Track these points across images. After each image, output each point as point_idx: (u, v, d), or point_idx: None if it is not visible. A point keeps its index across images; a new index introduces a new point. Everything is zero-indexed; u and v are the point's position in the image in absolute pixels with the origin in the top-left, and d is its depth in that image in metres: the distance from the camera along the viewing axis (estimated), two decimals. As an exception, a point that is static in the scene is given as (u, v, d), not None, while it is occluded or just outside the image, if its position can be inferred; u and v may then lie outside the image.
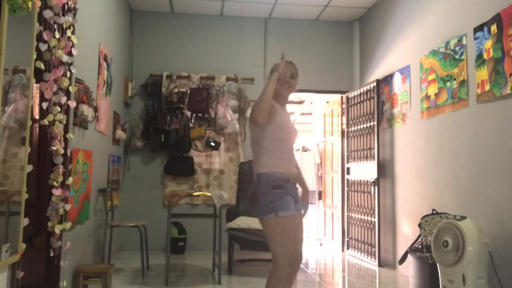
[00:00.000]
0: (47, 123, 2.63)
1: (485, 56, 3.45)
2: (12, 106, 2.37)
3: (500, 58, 3.27)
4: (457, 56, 3.85)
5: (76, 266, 3.59)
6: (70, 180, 3.03)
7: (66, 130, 2.94)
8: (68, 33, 2.81)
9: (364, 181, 5.50)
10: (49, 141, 2.67)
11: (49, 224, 2.71)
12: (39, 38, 2.52)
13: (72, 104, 3.02)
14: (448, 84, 3.97)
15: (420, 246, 3.75)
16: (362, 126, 5.66)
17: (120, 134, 5.24)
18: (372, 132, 5.37)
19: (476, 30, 3.59)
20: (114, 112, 5.09)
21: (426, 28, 4.44)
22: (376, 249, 5.08)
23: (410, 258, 3.81)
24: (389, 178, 5.09)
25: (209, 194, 4.34)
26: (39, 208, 2.77)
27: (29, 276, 2.47)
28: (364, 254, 5.43)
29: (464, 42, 3.76)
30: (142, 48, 6.04)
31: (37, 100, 2.77)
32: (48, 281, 2.95)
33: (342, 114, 6.23)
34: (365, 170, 5.50)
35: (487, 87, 3.42)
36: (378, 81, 5.36)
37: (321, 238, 6.85)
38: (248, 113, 2.70)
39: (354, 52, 6.32)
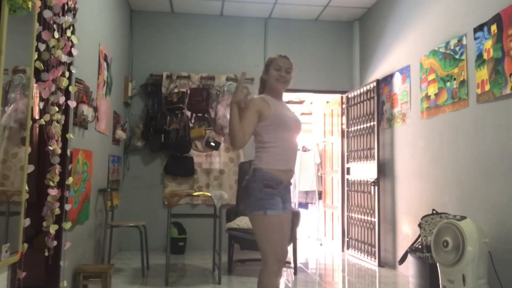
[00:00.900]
0: (43, 122, 2.62)
1: (485, 56, 3.45)
2: (12, 106, 2.37)
3: (500, 58, 3.27)
4: (457, 56, 3.85)
5: (76, 266, 3.59)
6: (70, 180, 3.03)
7: (66, 130, 2.94)
8: (68, 33, 2.81)
9: (364, 181, 5.50)
10: (46, 141, 2.67)
11: (44, 224, 2.70)
12: (39, 38, 2.52)
13: (72, 104, 3.01)
14: (448, 84, 3.97)
15: (420, 246, 3.75)
16: (362, 126, 5.66)
17: (120, 134, 5.24)
18: (372, 132, 5.37)
19: (476, 30, 3.59)
20: (114, 112, 5.09)
21: (426, 28, 4.44)
22: (376, 249, 5.08)
23: (410, 258, 3.81)
24: (389, 178, 5.09)
25: (209, 194, 4.34)
26: (39, 208, 2.76)
27: (29, 276, 2.47)
28: (364, 254, 5.43)
29: (464, 42, 3.76)
30: (142, 48, 6.04)
31: (37, 100, 2.77)
32: (48, 281, 2.95)
33: (342, 114, 6.23)
34: (365, 170, 5.50)
35: (487, 87, 3.42)
36: (378, 81, 5.36)
37: (321, 238, 6.85)
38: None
39: (354, 52, 6.32)
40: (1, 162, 2.30)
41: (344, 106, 6.20)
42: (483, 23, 3.50)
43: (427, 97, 4.31)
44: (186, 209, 5.73)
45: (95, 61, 4.13)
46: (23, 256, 2.39)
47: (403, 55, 4.88)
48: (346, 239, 5.96)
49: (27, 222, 2.39)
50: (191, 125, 5.84)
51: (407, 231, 4.63)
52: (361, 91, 5.71)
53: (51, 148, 2.68)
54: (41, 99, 2.62)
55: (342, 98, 6.25)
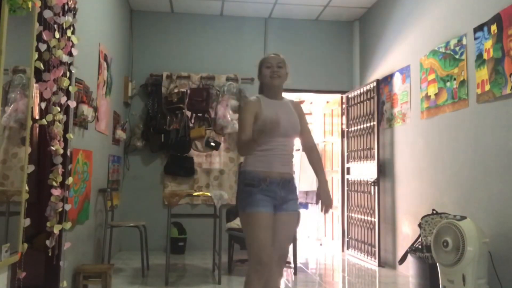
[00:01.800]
0: (46, 123, 2.63)
1: (485, 56, 3.45)
2: (12, 106, 2.37)
3: (500, 58, 3.27)
4: (457, 56, 3.85)
5: (76, 266, 3.59)
6: (70, 180, 3.03)
7: (66, 130, 2.94)
8: (68, 33, 2.81)
9: (364, 181, 5.50)
10: (48, 141, 2.67)
11: (48, 224, 2.70)
12: (39, 38, 2.52)
13: (72, 104, 3.01)
14: (448, 84, 3.97)
15: (420, 246, 3.75)
16: (362, 126, 5.66)
17: (120, 134, 5.24)
18: (372, 132, 5.37)
19: (476, 30, 3.59)
20: (114, 112, 5.09)
21: (426, 28, 4.44)
22: (376, 249, 5.08)
23: (410, 258, 3.81)
24: (389, 178, 5.09)
25: (209, 194, 4.34)
26: (39, 208, 2.76)
27: (29, 276, 2.47)
28: (364, 254, 5.43)
29: (464, 42, 3.76)
30: (142, 48, 6.04)
31: (37, 100, 2.77)
32: (48, 281, 2.95)
33: (342, 114, 6.23)
34: (365, 170, 5.50)
35: (487, 87, 3.42)
36: (378, 81, 5.36)
37: (321, 238, 6.85)
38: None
39: (354, 52, 6.32)
40: (1, 162, 2.30)
41: (344, 106, 6.20)
42: (483, 23, 3.50)
43: (427, 97, 4.31)
44: (186, 209, 5.72)
45: (95, 61, 4.13)
46: (23, 256, 2.39)
47: (403, 55, 4.88)
48: (346, 239, 5.96)
49: (27, 222, 2.39)
50: (191, 125, 5.84)
51: (407, 231, 4.63)
52: (361, 91, 5.71)
53: (53, 148, 2.69)
54: (42, 99, 2.62)
55: (342, 98, 6.25)
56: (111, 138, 5.01)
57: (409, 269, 3.88)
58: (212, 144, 5.83)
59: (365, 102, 5.62)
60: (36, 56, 2.46)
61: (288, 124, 2.50)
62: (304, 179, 7.54)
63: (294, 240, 4.66)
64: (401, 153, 4.86)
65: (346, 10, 6.00)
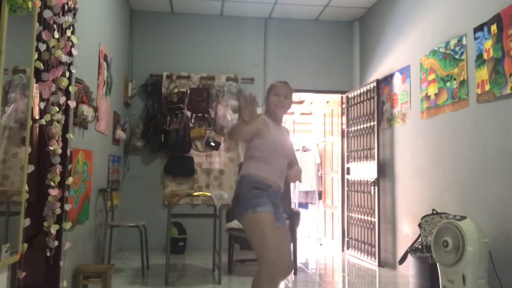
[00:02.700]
0: (44, 123, 2.62)
1: (485, 56, 3.45)
2: (12, 106, 2.37)
3: (500, 58, 3.27)
4: (457, 56, 3.85)
5: (76, 266, 3.59)
6: (70, 180, 3.03)
7: (66, 130, 2.94)
8: (68, 33, 2.81)
9: (364, 181, 5.50)
10: (47, 141, 2.67)
11: (45, 224, 2.70)
12: (39, 38, 2.52)
13: (72, 104, 3.01)
14: (448, 84, 3.97)
15: (420, 246, 3.75)
16: (362, 126, 5.66)
17: (120, 134, 5.24)
18: (372, 132, 5.37)
19: (476, 30, 3.59)
20: (114, 112, 5.09)
21: (426, 28, 4.44)
22: (376, 249, 5.08)
23: (410, 258, 3.81)
24: (389, 178, 5.09)
25: (209, 194, 4.34)
26: (39, 208, 2.76)
27: (29, 276, 2.47)
28: (364, 254, 5.43)
29: (464, 42, 3.76)
30: (142, 48, 6.04)
31: (37, 100, 2.77)
32: (48, 281, 2.95)
33: (342, 114, 6.23)
34: (365, 170, 5.50)
35: (487, 87, 3.42)
36: (378, 81, 5.36)
37: (321, 238, 6.85)
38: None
39: (354, 52, 6.32)
40: (1, 162, 2.30)
41: (344, 106, 6.20)
42: (483, 23, 3.50)
43: (427, 97, 4.31)
44: (186, 209, 5.73)
45: (95, 61, 4.13)
46: (23, 256, 2.39)
47: (403, 55, 4.88)
48: (346, 239, 5.96)
49: (27, 222, 2.38)
50: (191, 125, 5.84)
51: (407, 231, 4.63)
52: (361, 91, 5.71)
53: (51, 148, 2.68)
54: (42, 99, 2.62)
55: (342, 98, 6.25)
56: (111, 138, 5.01)
57: (409, 269, 3.88)
58: (212, 144, 5.83)
59: (365, 102, 5.62)
60: (36, 56, 2.45)
61: (288, 148, 2.75)
62: (304, 179, 7.54)
63: (294, 240, 4.66)
64: (401, 153, 4.86)
65: (346, 10, 6.00)
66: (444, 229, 3.16)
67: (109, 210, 4.59)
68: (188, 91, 5.84)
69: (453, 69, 3.91)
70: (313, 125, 8.80)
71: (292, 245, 4.66)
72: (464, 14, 3.81)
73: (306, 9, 5.97)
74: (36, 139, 2.88)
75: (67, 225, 2.90)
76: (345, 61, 6.36)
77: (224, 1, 5.76)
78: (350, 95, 6.04)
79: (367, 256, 5.32)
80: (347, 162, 6.05)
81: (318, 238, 6.95)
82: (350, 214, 5.92)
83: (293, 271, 4.64)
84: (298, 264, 4.80)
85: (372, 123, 5.38)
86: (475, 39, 3.60)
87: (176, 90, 5.81)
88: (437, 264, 3.24)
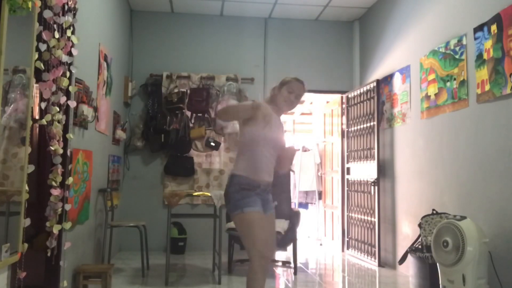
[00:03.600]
0: (45, 123, 2.63)
1: (485, 56, 3.45)
2: (12, 106, 2.37)
3: (500, 58, 3.27)
4: (457, 56, 3.85)
5: (76, 266, 3.59)
6: (70, 180, 3.03)
7: (66, 130, 2.94)
8: (68, 33, 2.81)
9: (364, 181, 5.50)
10: (48, 141, 2.67)
11: (48, 224, 2.70)
12: (39, 38, 2.52)
13: (72, 104, 3.01)
14: (448, 84, 3.97)
15: (420, 246, 3.75)
16: (362, 126, 5.66)
17: (120, 134, 5.24)
18: (372, 132, 5.37)
19: (476, 30, 3.59)
20: (114, 112, 5.09)
21: (426, 28, 4.44)
22: (376, 249, 5.08)
23: (410, 258, 3.81)
24: (389, 178, 5.09)
25: (209, 194, 4.34)
26: (39, 208, 2.76)
27: (29, 276, 2.47)
28: (364, 254, 5.43)
29: (464, 42, 3.76)
30: (142, 48, 6.04)
31: (37, 100, 2.77)
32: (48, 281, 2.95)
33: (342, 114, 6.23)
34: (365, 170, 5.50)
35: (487, 87, 3.42)
36: (378, 81, 5.36)
37: (321, 238, 6.85)
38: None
39: (354, 52, 6.32)
40: (1, 162, 2.30)
41: (344, 106, 6.20)
42: (483, 23, 3.50)
43: (427, 97, 4.31)
44: (186, 209, 5.73)
45: (95, 61, 4.13)
46: (23, 256, 2.39)
47: (403, 55, 4.89)
48: (346, 239, 5.96)
49: (27, 222, 2.39)
50: (191, 125, 5.84)
51: (407, 231, 4.63)
52: (361, 91, 5.71)
53: (52, 148, 2.69)
54: (42, 99, 2.62)
55: (342, 98, 6.25)
56: (111, 138, 5.01)
57: (409, 269, 3.88)
58: (212, 144, 5.83)
59: (365, 102, 5.62)
60: (36, 56, 2.46)
61: (281, 141, 2.78)
62: (304, 179, 7.54)
63: (294, 240, 4.67)
64: (401, 153, 4.86)
65: (346, 10, 6.01)
66: (444, 229, 3.17)
67: (109, 210, 4.59)
68: (188, 91, 5.84)
69: (453, 69, 3.91)
70: (313, 125, 8.79)
71: (292, 245, 4.68)
72: (464, 14, 3.81)
73: (306, 9, 5.97)
74: (36, 139, 2.88)
75: (67, 225, 2.90)
76: (345, 61, 6.36)
77: (224, 1, 5.76)
78: (350, 95, 6.04)
79: (367, 256, 5.32)
80: (347, 162, 6.05)
81: (318, 238, 6.95)
82: (350, 214, 5.92)
83: (293, 270, 4.65)
84: (298, 264, 4.80)
85: (372, 123, 5.38)
86: (475, 39, 3.60)
87: (176, 90, 5.81)
88: (437, 264, 3.24)
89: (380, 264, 5.02)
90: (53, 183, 2.70)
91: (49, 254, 2.74)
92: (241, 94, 5.96)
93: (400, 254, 4.38)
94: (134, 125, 5.83)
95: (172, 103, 5.77)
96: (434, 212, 3.77)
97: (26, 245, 2.41)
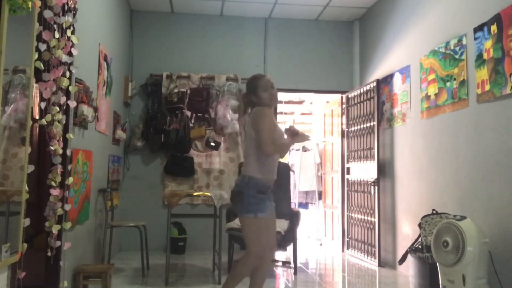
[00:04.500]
0: (45, 123, 2.63)
1: (485, 56, 3.45)
2: (12, 106, 2.37)
3: (500, 58, 3.27)
4: (457, 56, 3.85)
5: (76, 266, 3.59)
6: (70, 180, 3.03)
7: (66, 130, 2.94)
8: (68, 33, 2.81)
9: (364, 181, 5.50)
10: (48, 141, 2.67)
11: (47, 224, 2.70)
12: (39, 38, 2.52)
13: (72, 104, 3.02)
14: (448, 84, 3.97)
15: (420, 246, 3.75)
16: (362, 126, 5.66)
17: (120, 134, 5.24)
18: (372, 132, 5.37)
19: (476, 30, 3.59)
20: (114, 112, 5.09)
21: (426, 28, 4.44)
22: (376, 249, 5.08)
23: (410, 258, 3.81)
24: (389, 178, 5.09)
25: (209, 194, 4.34)
26: (39, 208, 2.76)
27: (29, 276, 2.47)
28: (364, 254, 5.43)
29: (464, 42, 3.76)
30: (142, 48, 6.04)
31: (37, 100, 2.77)
32: (48, 281, 2.95)
33: (342, 114, 6.23)
34: (365, 170, 5.50)
35: (487, 87, 3.42)
36: (378, 81, 5.36)
37: (321, 238, 6.85)
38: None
39: (354, 52, 6.32)
40: (1, 162, 2.30)
41: (344, 106, 6.20)
42: (483, 23, 3.50)
43: (427, 97, 4.31)
44: (186, 209, 5.73)
45: (95, 61, 4.13)
46: (23, 256, 2.39)
47: (403, 55, 4.89)
48: (346, 239, 5.96)
49: (27, 222, 2.38)
50: (191, 125, 5.84)
51: (407, 231, 4.63)
52: (361, 91, 5.71)
53: (52, 148, 2.69)
54: (42, 99, 2.62)
55: (342, 98, 6.25)
56: (111, 138, 5.01)
57: (409, 269, 3.88)
58: (212, 144, 5.83)
59: (365, 102, 5.62)
60: (36, 56, 2.46)
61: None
62: (304, 179, 7.54)
63: (294, 240, 4.67)
64: (401, 153, 4.86)
65: (346, 10, 6.01)
66: (444, 229, 3.16)
67: (109, 210, 4.59)
68: (188, 91, 5.84)
69: (453, 69, 3.91)
70: (313, 125, 8.79)
71: (292, 245, 4.68)
72: (464, 14, 3.81)
73: (306, 9, 5.97)
74: (36, 139, 2.88)
75: (67, 225, 2.90)
76: (345, 61, 6.36)
77: (224, 1, 5.76)
78: (350, 95, 6.04)
79: (367, 256, 5.32)
80: (347, 162, 6.05)
81: (318, 238, 6.95)
82: (350, 214, 5.92)
83: (293, 270, 4.65)
84: (298, 264, 4.80)
85: (372, 123, 5.38)
86: (475, 39, 3.60)
87: (176, 90, 5.81)
88: (437, 264, 3.24)
89: (380, 264, 5.02)
90: (53, 183, 2.70)
91: (49, 254, 2.74)
92: (241, 94, 5.95)
93: (400, 254, 4.38)
94: (134, 125, 5.83)
95: (172, 103, 5.77)
96: (434, 212, 3.77)
97: (26, 245, 2.41)
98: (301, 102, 8.97)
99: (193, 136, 5.79)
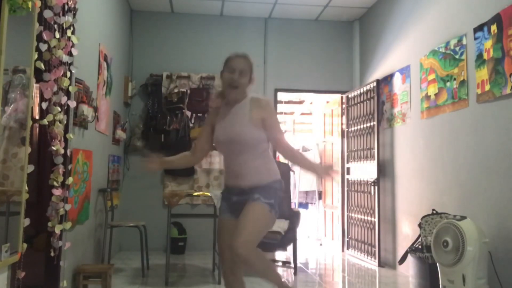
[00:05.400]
0: (46, 123, 2.63)
1: (485, 56, 3.45)
2: (12, 106, 2.37)
3: (500, 58, 3.27)
4: (457, 56, 3.85)
5: (76, 266, 3.59)
6: (70, 180, 3.03)
7: (66, 130, 2.94)
8: (68, 33, 2.81)
9: (364, 181, 5.50)
10: (49, 141, 2.67)
11: (49, 224, 2.71)
12: (39, 38, 2.52)
13: (72, 104, 3.02)
14: (448, 84, 3.97)
15: (420, 246, 3.75)
16: (362, 126, 5.66)
17: (120, 134, 5.24)
18: (372, 132, 5.37)
19: (476, 30, 3.59)
20: (114, 112, 5.09)
21: (426, 28, 4.44)
22: (376, 249, 5.08)
23: (410, 258, 3.81)
24: (389, 178, 5.09)
25: (209, 194, 4.34)
26: (39, 208, 2.76)
27: (29, 276, 2.47)
28: (364, 254, 5.43)
29: (464, 42, 3.76)
30: (142, 48, 6.04)
31: (37, 100, 2.77)
32: (48, 281, 2.95)
33: (342, 114, 6.23)
34: (365, 170, 5.50)
35: (487, 87, 3.42)
36: (378, 81, 5.36)
37: (321, 238, 6.85)
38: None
39: (354, 52, 6.32)
40: (1, 162, 2.30)
41: (344, 106, 6.20)
42: (483, 23, 3.50)
43: (427, 97, 4.31)
44: (186, 209, 5.73)
45: (95, 61, 4.12)
46: (22, 256, 2.39)
47: (403, 55, 4.88)
48: (346, 239, 5.96)
49: (27, 222, 2.39)
50: (191, 125, 5.84)
51: (407, 231, 4.63)
52: (361, 91, 5.71)
53: (54, 148, 2.69)
54: (43, 99, 2.62)
55: (342, 98, 6.25)
56: (111, 138, 5.01)
57: (409, 269, 3.88)
58: (212, 144, 5.82)
59: (365, 102, 5.62)
60: (36, 56, 2.46)
61: (232, 137, 2.47)
62: (304, 179, 7.54)
63: (294, 240, 4.66)
64: (401, 153, 4.86)
65: (346, 10, 6.00)
66: (444, 229, 3.16)
67: (109, 210, 4.59)
68: (188, 91, 5.84)
69: (453, 69, 3.91)
70: (313, 125, 8.79)
71: (292, 245, 4.67)
72: (464, 14, 3.81)
73: (306, 9, 5.97)
74: (36, 139, 2.88)
75: (67, 225, 2.90)
76: (345, 61, 6.36)
77: (224, 1, 5.76)
78: (350, 95, 6.04)
79: (367, 256, 5.32)
80: (347, 162, 6.05)
81: (318, 238, 6.95)
82: (350, 214, 5.92)
83: (293, 270, 4.64)
84: (298, 264, 4.80)
85: (372, 123, 5.38)
86: (475, 39, 3.60)
87: (176, 90, 5.81)
88: (437, 264, 3.24)
89: (380, 264, 5.02)
90: (55, 183, 2.70)
91: (52, 254, 2.74)
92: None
93: (400, 254, 4.38)
94: (134, 125, 5.83)
95: (172, 103, 5.77)
96: (434, 212, 3.77)
97: (25, 245, 2.41)
98: (301, 102, 8.97)
99: (193, 136, 5.78)
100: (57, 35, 2.66)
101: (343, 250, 5.99)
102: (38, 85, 2.59)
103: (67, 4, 2.82)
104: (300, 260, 5.18)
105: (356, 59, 6.26)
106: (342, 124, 6.22)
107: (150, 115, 5.83)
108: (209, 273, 4.57)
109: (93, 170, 4.03)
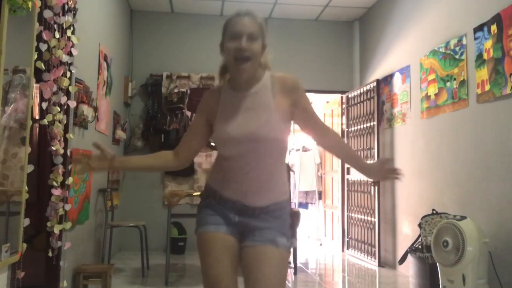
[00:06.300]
0: (46, 123, 2.63)
1: (485, 56, 3.45)
2: (12, 106, 2.37)
3: (500, 58, 3.27)
4: (457, 56, 3.85)
5: (76, 266, 3.59)
6: (70, 180, 3.03)
7: (66, 130, 2.94)
8: (68, 33, 2.81)
9: (364, 181, 5.49)
10: (49, 141, 2.67)
11: (48, 224, 2.71)
12: (39, 38, 2.52)
13: (72, 104, 3.02)
14: (448, 84, 3.97)
15: (420, 246, 3.75)
16: (362, 126, 5.65)
17: (120, 134, 5.24)
18: (372, 132, 5.37)
19: (476, 30, 3.58)
20: (114, 112, 5.09)
21: (426, 28, 4.44)
22: (376, 249, 5.08)
23: (410, 258, 3.81)
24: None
25: (209, 194, 4.32)
26: (39, 208, 2.76)
27: (29, 276, 2.47)
28: (364, 254, 5.42)
29: (464, 42, 3.76)
30: (142, 48, 6.04)
31: (37, 100, 2.77)
32: (48, 281, 2.95)
33: (342, 114, 6.23)
34: (365, 170, 5.49)
35: (487, 87, 3.42)
36: (378, 81, 5.36)
37: (321, 238, 6.85)
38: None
39: (354, 52, 6.32)
40: (1, 162, 2.30)
41: (344, 106, 6.20)
42: (483, 23, 3.49)
43: (427, 97, 4.31)
44: (186, 209, 5.72)
45: (95, 61, 4.12)
46: (22, 256, 2.39)
47: (403, 55, 4.88)
48: (346, 239, 5.96)
49: (27, 222, 2.39)
50: (191, 125, 5.83)
51: (407, 231, 4.62)
52: (361, 91, 5.71)
53: (53, 148, 2.69)
54: (43, 99, 2.62)
55: (342, 98, 6.25)
56: (111, 138, 5.01)
57: (409, 269, 3.88)
58: (212, 144, 5.78)
59: (365, 102, 5.62)
60: (36, 56, 2.46)
61: (250, 135, 1.70)
62: (304, 179, 7.54)
63: (294, 240, 4.66)
64: (401, 153, 4.86)
65: (346, 10, 6.00)
66: (444, 229, 3.16)
67: (109, 210, 4.59)
68: (188, 91, 5.85)
69: (453, 69, 3.91)
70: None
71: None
72: (464, 14, 3.81)
73: (306, 9, 5.97)
74: (36, 139, 2.88)
75: (67, 225, 2.90)
76: (345, 61, 6.36)
77: (224, 1, 5.76)
78: (350, 95, 6.04)
79: (367, 256, 5.32)
80: (347, 162, 6.04)
81: (318, 238, 6.95)
82: (350, 214, 5.92)
83: (293, 270, 4.64)
84: (298, 264, 4.80)
85: (372, 123, 5.37)
86: (475, 39, 3.60)
87: (176, 90, 5.81)
88: (437, 264, 3.24)
89: (380, 264, 5.02)
90: (54, 183, 2.70)
91: (50, 254, 2.74)
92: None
93: (400, 254, 4.37)
94: (134, 125, 5.83)
95: (172, 103, 5.77)
96: (434, 212, 3.77)
97: (25, 245, 2.41)
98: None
99: (193, 136, 5.78)
100: (57, 35, 2.66)
101: (343, 250, 5.99)
102: (38, 85, 2.59)
103: (67, 4, 2.82)
104: (300, 260, 5.18)
105: (356, 59, 6.26)
106: (342, 124, 6.22)
107: (150, 115, 5.83)
108: (209, 273, 4.56)
109: (93, 170, 4.02)
